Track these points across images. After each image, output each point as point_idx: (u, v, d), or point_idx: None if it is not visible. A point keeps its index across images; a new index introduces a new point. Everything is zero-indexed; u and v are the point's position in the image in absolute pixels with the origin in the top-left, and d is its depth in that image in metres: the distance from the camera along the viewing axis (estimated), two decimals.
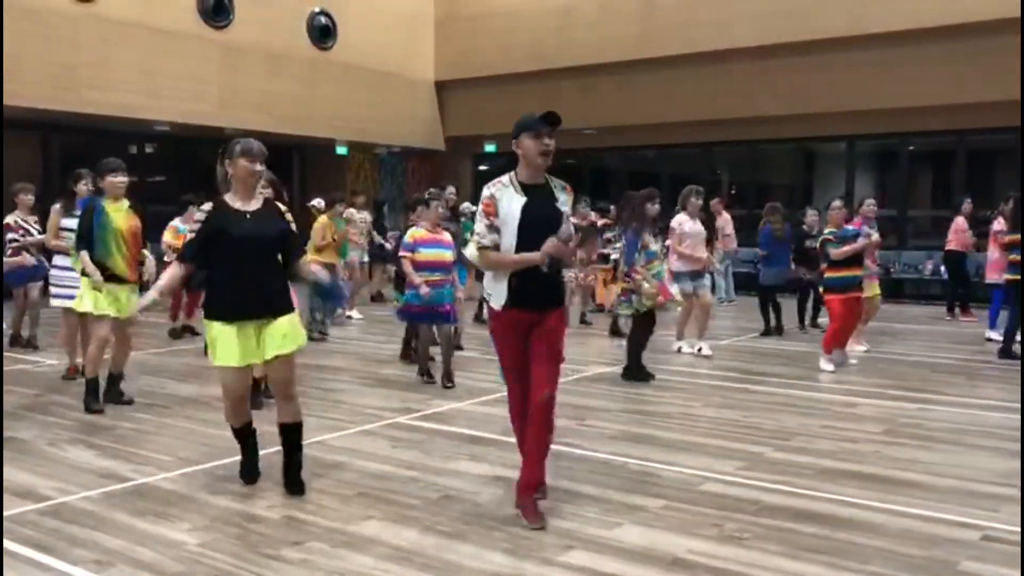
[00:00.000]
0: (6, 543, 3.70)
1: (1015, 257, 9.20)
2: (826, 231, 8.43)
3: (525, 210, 3.99)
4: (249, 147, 4.30)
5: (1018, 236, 9.15)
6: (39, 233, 8.72)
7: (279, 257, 4.38)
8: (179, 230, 9.64)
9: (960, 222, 12.36)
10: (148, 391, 6.91)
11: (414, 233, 7.23)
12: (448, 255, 7.24)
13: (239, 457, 4.67)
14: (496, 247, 4.02)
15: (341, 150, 18.81)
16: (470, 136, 19.63)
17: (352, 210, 12.11)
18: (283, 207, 4.54)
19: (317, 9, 17.12)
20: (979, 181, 15.87)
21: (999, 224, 10.31)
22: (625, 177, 19.26)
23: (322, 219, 10.24)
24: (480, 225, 4.04)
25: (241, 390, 4.44)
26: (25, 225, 8.77)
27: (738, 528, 3.97)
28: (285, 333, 4.30)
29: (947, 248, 12.48)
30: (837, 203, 8.54)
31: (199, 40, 15.08)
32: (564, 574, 3.45)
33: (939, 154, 17.38)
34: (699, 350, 9.04)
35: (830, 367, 8.13)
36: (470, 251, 4.23)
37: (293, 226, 4.46)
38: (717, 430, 5.88)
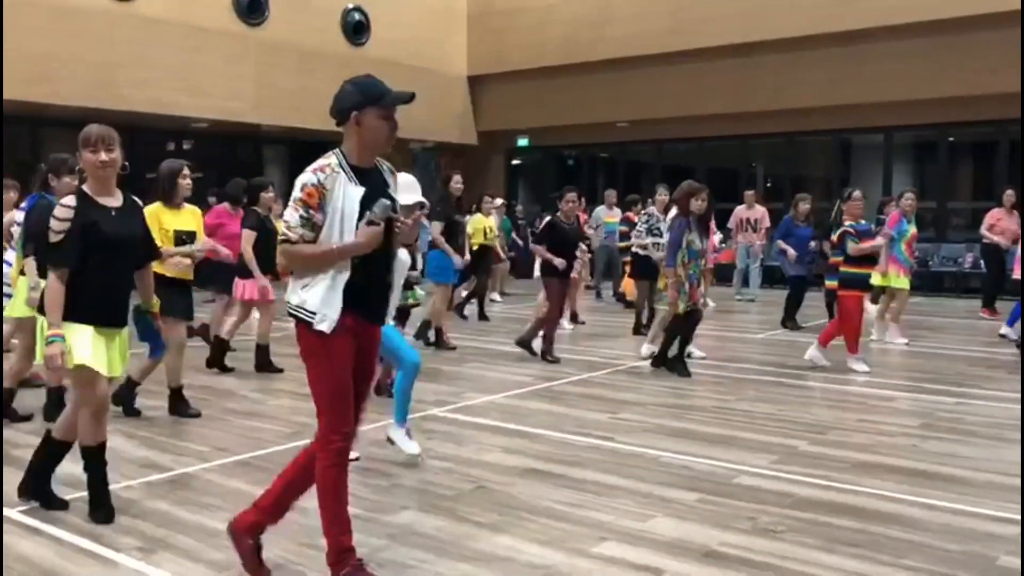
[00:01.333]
0: (54, 530, 3.80)
1: None
2: (846, 224, 8.21)
3: (364, 202, 3.15)
4: (88, 134, 3.82)
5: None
6: None
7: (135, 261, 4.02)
8: None
9: (996, 213, 11.81)
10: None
11: None
12: None
13: (273, 448, 4.74)
14: (306, 243, 3.15)
15: None
16: (503, 131, 19.67)
17: None
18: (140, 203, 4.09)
19: (351, 5, 17.24)
20: (1020, 173, 15.57)
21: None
22: (658, 170, 19.19)
23: None
24: (294, 216, 3.13)
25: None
26: None
27: (772, 521, 3.96)
28: (124, 347, 3.99)
29: (984, 240, 11.93)
30: (858, 194, 8.18)
31: (235, 37, 15.26)
32: (597, 565, 3.47)
33: (980, 145, 17.10)
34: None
35: (864, 367, 7.84)
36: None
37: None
38: (751, 424, 5.86)
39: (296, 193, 3.15)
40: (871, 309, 11.60)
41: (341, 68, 18.73)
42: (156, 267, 4.60)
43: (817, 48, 15.32)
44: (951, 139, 16.54)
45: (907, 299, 9.76)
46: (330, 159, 3.21)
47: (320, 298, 3.14)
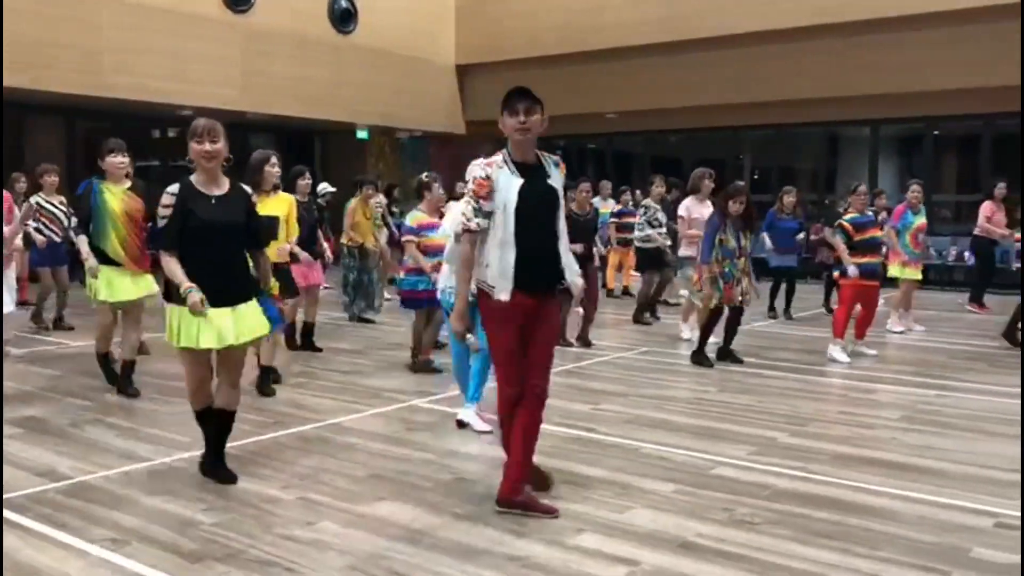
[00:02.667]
0: (25, 520, 3.78)
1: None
2: (845, 217, 8.30)
3: (522, 192, 3.76)
4: (196, 127, 4.13)
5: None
6: (64, 214, 8.91)
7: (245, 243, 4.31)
8: None
9: (988, 206, 11.61)
10: (168, 373, 6.99)
11: (417, 217, 6.95)
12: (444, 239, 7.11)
13: (253, 439, 4.73)
14: (482, 232, 3.82)
15: (361, 134, 18.87)
16: (491, 120, 19.53)
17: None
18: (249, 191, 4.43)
19: None
20: (1006, 166, 15.64)
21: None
22: (648, 161, 19.19)
23: (352, 201, 10.35)
24: (469, 207, 3.81)
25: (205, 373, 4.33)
26: (48, 206, 8.92)
27: (749, 512, 3.97)
28: (245, 323, 4.21)
29: (975, 234, 11.69)
30: (863, 188, 8.33)
31: (222, 25, 15.15)
32: (574, 556, 3.47)
33: (965, 139, 17.16)
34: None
35: (841, 356, 7.92)
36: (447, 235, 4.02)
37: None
38: (731, 415, 5.87)
39: (468, 185, 3.80)
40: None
41: (329, 56, 18.82)
42: None
43: (808, 40, 15.31)
44: (936, 132, 16.59)
45: (914, 288, 9.89)
46: (496, 157, 3.84)
47: (496, 273, 3.78)
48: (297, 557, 3.44)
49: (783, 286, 10.84)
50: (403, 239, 7.16)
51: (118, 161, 6.02)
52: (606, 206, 13.34)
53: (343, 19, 17.17)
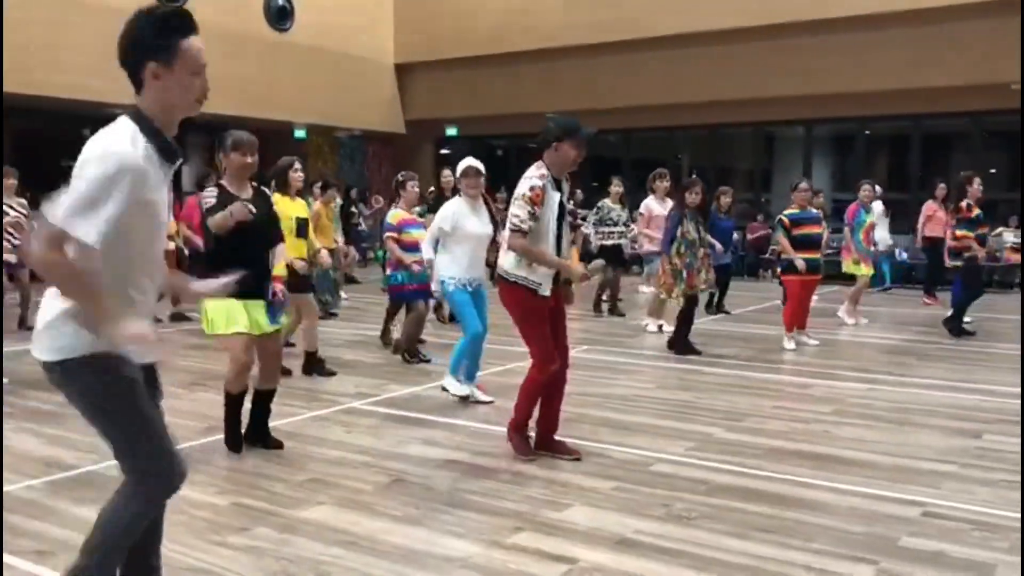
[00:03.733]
0: None
1: (954, 243, 9.29)
2: (785, 213, 8.54)
3: (560, 205, 4.63)
4: (240, 140, 4.69)
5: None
6: (24, 216, 8.90)
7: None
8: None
9: (931, 206, 12.10)
10: None
11: (398, 215, 7.42)
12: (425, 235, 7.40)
13: (184, 444, 4.61)
14: (530, 234, 4.55)
15: (299, 134, 18.64)
16: (431, 119, 19.54)
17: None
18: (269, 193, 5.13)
19: None
20: (934, 165, 16.13)
21: (928, 206, 10.52)
22: (587, 161, 19.27)
23: (316, 204, 10.19)
24: (524, 211, 4.50)
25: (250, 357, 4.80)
26: (12, 208, 8.86)
27: (686, 508, 4.01)
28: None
29: (927, 235, 12.05)
30: (804, 184, 8.58)
31: None
32: (512, 556, 3.46)
33: (895, 138, 17.63)
34: (660, 327, 9.24)
35: (792, 345, 8.39)
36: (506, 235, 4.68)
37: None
38: (670, 411, 5.93)
39: (526, 193, 4.50)
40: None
41: (265, 54, 18.56)
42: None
43: (742, 42, 15.58)
44: (868, 132, 17.02)
45: (865, 284, 10.30)
46: (543, 170, 4.60)
47: (543, 272, 4.59)
48: (232, 564, 3.37)
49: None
50: (384, 236, 7.61)
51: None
52: None
53: (279, 17, 16.95)
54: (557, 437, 4.87)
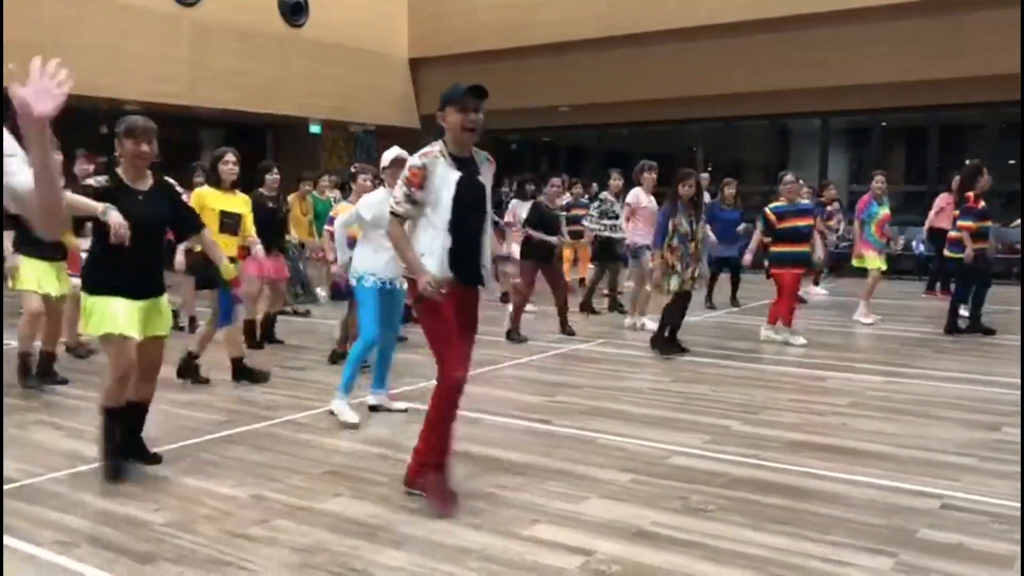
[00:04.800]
0: None
1: (954, 235, 9.03)
2: (770, 206, 8.41)
3: (459, 184, 3.82)
4: (134, 126, 4.26)
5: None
6: None
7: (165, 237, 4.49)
8: None
9: (946, 197, 11.63)
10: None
11: (342, 208, 7.01)
12: None
13: (205, 437, 4.65)
14: (408, 219, 3.87)
15: (314, 128, 18.69)
16: None
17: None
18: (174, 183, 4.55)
19: None
20: (950, 157, 16.01)
21: (941, 199, 10.24)
22: (600, 155, 19.28)
23: (291, 197, 10.21)
24: (400, 192, 3.84)
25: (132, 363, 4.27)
26: None
27: (703, 500, 4.02)
28: (162, 313, 4.35)
29: (934, 226, 11.80)
30: (789, 177, 8.37)
31: (167, 18, 14.90)
32: (528, 547, 3.48)
33: (911, 130, 17.52)
34: (642, 325, 9.14)
35: (800, 340, 8.28)
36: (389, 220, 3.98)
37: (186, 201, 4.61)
38: (686, 405, 5.93)
39: (404, 173, 3.84)
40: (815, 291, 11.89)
41: (279, 50, 18.60)
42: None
43: (756, 33, 15.50)
44: (884, 124, 16.91)
45: (878, 279, 9.91)
46: (434, 147, 3.87)
47: (434, 265, 3.79)
48: (251, 556, 3.40)
49: (720, 276, 10.98)
50: (324, 228, 7.58)
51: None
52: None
53: (293, 12, 16.99)
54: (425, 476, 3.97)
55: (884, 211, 9.82)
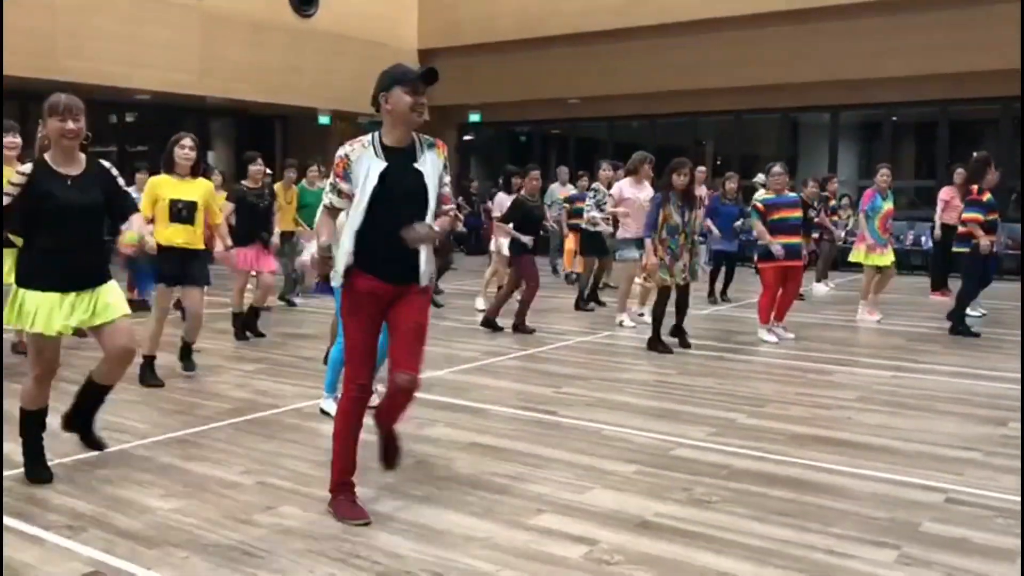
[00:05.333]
0: None
1: (962, 229, 8.74)
2: (757, 197, 8.30)
3: (384, 177, 3.52)
4: (56, 103, 3.88)
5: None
6: None
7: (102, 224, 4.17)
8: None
9: (949, 191, 11.46)
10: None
11: None
12: None
13: (212, 424, 4.69)
14: (337, 210, 3.73)
15: (323, 119, 18.71)
16: (454, 106, 19.53)
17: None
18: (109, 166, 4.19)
19: None
20: (961, 152, 15.92)
21: (946, 192, 10.04)
22: (610, 147, 19.24)
23: (276, 186, 10.07)
24: (327, 183, 3.71)
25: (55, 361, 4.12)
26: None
27: (707, 492, 4.03)
28: (109, 302, 4.06)
29: (945, 223, 11.43)
30: (777, 168, 8.19)
31: (179, 8, 14.92)
32: (533, 536, 3.49)
33: (922, 125, 17.44)
34: (641, 315, 9.08)
35: (772, 338, 8.06)
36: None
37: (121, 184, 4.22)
38: (691, 397, 5.94)
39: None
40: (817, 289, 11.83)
41: (290, 40, 18.63)
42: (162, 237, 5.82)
43: (767, 26, 15.45)
44: (895, 119, 16.83)
45: (891, 275, 9.74)
46: (364, 137, 3.64)
47: (340, 260, 3.62)
48: (257, 541, 3.43)
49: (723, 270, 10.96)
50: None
51: (10, 141, 6.07)
52: (564, 191, 13.38)
53: (304, 3, 17.00)
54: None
55: (888, 206, 9.58)
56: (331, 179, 3.66)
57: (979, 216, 8.51)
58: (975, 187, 8.68)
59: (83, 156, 4.04)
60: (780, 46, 15.41)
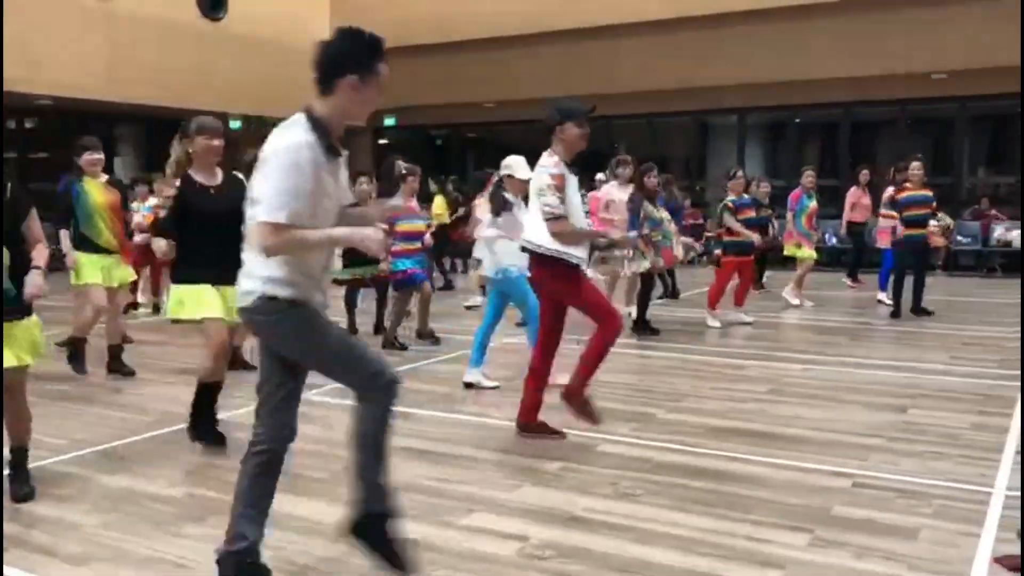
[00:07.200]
0: None
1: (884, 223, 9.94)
2: (728, 199, 9.11)
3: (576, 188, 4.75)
4: (204, 124, 4.70)
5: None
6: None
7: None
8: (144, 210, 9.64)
9: (856, 192, 12.33)
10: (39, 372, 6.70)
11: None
12: (422, 225, 8.05)
13: (135, 437, 4.62)
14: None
15: (235, 124, 18.37)
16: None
17: None
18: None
19: None
20: (862, 152, 16.64)
21: (890, 192, 10.77)
22: (529, 150, 19.41)
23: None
24: (553, 198, 4.62)
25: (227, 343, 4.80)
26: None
27: (632, 485, 4.17)
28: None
29: (850, 220, 12.31)
30: (740, 173, 9.27)
31: (82, 9, 14.48)
32: (465, 535, 3.57)
33: (825, 126, 18.12)
34: (630, 314, 9.39)
35: (716, 323, 8.90)
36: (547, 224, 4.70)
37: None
38: (613, 394, 6.08)
39: (548, 182, 4.76)
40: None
41: (198, 43, 18.20)
42: None
43: (678, 31, 15.86)
44: (798, 120, 17.46)
45: (810, 267, 10.73)
46: (555, 157, 4.82)
47: (581, 250, 4.89)
48: (189, 553, 3.41)
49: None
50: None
51: (95, 158, 6.55)
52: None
53: (213, 6, 16.67)
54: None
55: (813, 204, 10.56)
56: (559, 194, 4.64)
57: (894, 212, 9.74)
58: (908, 185, 9.74)
59: (219, 169, 4.77)
60: (690, 51, 15.83)
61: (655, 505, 3.92)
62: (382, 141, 21.10)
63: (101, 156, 6.66)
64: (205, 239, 4.55)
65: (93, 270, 6.49)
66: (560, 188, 4.63)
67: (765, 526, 3.67)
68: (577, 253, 4.73)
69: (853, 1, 14.33)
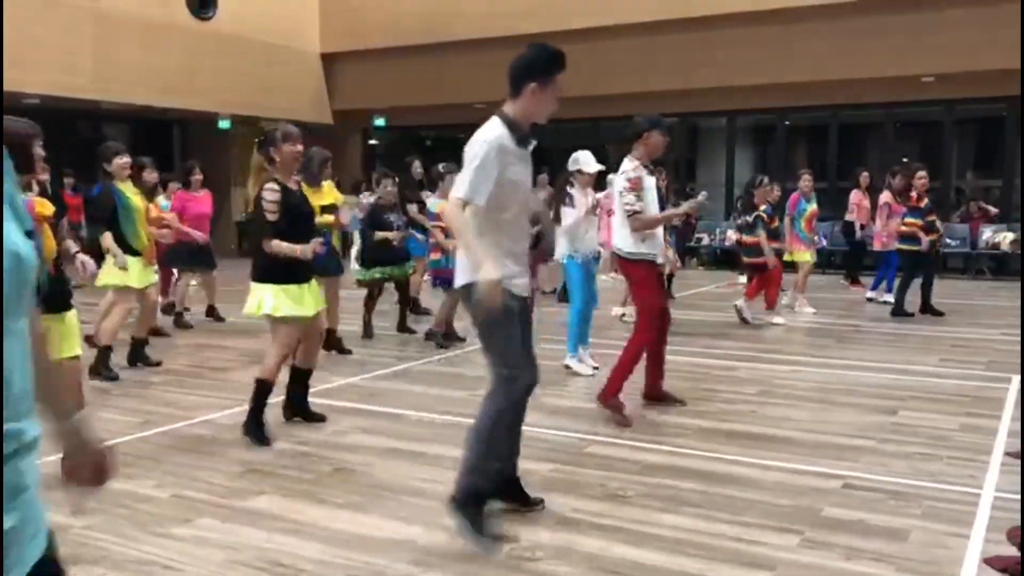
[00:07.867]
0: None
1: (905, 229, 9.86)
2: (761, 208, 9.34)
3: (657, 188, 5.47)
4: (290, 131, 4.91)
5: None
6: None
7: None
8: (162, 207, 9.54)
9: (857, 195, 12.54)
10: None
11: (439, 205, 7.77)
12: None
13: (122, 439, 4.58)
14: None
15: (223, 124, 18.30)
16: (359, 110, 19.39)
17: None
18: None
19: None
20: (850, 154, 16.70)
21: (886, 196, 10.83)
22: None
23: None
24: (631, 196, 5.30)
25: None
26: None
27: (621, 487, 4.16)
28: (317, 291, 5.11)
29: (850, 221, 12.61)
30: (767, 180, 9.59)
31: (70, 8, 14.39)
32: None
33: (814, 128, 18.18)
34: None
35: (781, 320, 9.45)
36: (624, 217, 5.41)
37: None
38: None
39: (626, 184, 5.44)
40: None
41: (187, 43, 18.08)
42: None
43: (667, 34, 15.86)
44: (787, 123, 17.51)
45: (809, 271, 10.66)
46: (635, 162, 5.52)
47: (655, 243, 5.61)
48: (176, 555, 3.39)
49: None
50: (431, 225, 8.25)
51: (125, 162, 6.66)
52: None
53: (202, 5, 16.59)
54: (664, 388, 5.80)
55: (812, 207, 10.52)
56: (635, 194, 5.35)
57: (918, 221, 9.76)
58: (913, 194, 9.85)
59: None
60: (679, 53, 15.85)
61: (644, 506, 3.91)
62: (372, 141, 21.07)
63: (129, 160, 6.79)
64: (302, 238, 4.87)
65: (134, 272, 6.66)
66: (636, 188, 5.31)
67: (755, 527, 3.66)
68: (653, 251, 5.44)
69: (842, 5, 14.38)
